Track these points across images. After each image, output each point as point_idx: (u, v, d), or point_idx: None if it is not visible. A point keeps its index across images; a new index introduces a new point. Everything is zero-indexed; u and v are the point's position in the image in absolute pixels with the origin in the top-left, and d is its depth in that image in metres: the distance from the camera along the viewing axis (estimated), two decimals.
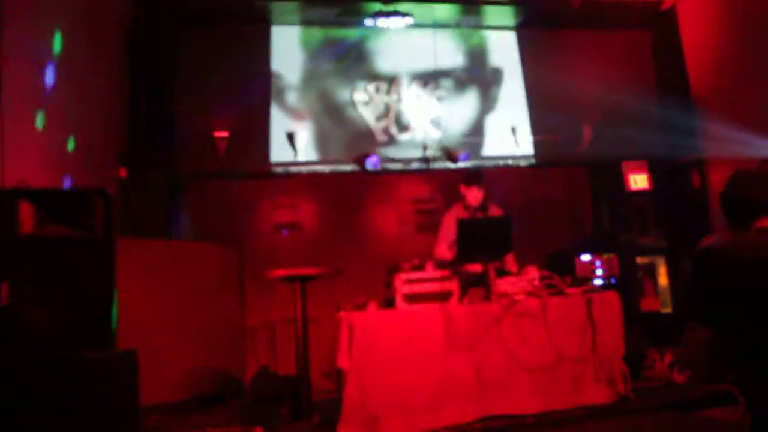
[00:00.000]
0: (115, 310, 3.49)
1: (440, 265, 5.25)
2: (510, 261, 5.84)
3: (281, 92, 8.70)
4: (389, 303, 5.03)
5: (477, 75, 9.30)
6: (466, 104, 9.17)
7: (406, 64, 9.05)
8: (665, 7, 9.25)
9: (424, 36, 9.11)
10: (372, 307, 4.95)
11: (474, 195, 6.05)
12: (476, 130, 9.06)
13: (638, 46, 9.58)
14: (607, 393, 5.01)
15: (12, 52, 4.43)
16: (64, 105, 5.60)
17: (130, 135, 7.92)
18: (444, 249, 5.95)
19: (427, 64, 9.07)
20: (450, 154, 8.67)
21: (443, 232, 6.09)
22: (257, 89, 8.56)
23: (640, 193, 8.59)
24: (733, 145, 7.42)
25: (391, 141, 8.84)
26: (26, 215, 3.41)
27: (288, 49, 8.85)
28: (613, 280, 7.04)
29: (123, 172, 7.28)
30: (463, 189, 6.12)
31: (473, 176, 6.17)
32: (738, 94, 7.90)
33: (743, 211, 2.19)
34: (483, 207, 6.09)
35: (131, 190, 7.19)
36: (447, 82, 9.14)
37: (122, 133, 7.78)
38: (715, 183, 8.25)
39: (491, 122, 9.15)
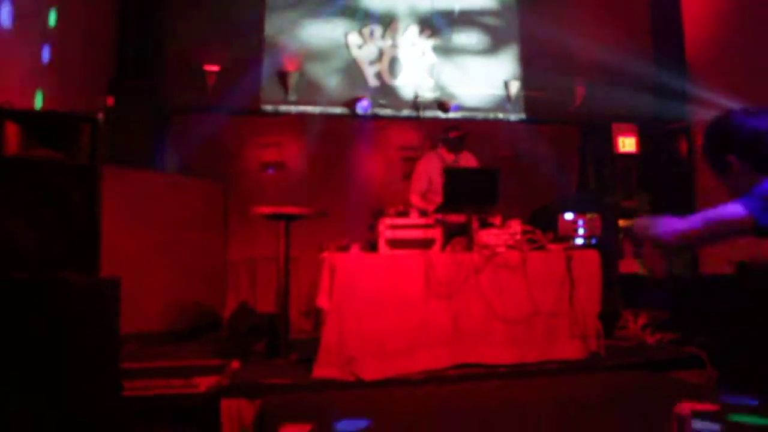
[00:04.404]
0: (99, 236, 3.48)
1: (424, 212, 5.27)
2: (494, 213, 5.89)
3: (275, 30, 8.56)
4: (372, 247, 5.06)
5: (472, 25, 9.19)
6: (461, 54, 9.08)
7: (402, 6, 8.93)
8: None
9: None
10: (355, 249, 4.98)
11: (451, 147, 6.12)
12: (469, 81, 8.99)
13: (636, 6, 9.48)
14: (580, 349, 5.10)
15: None
16: (51, 29, 5.49)
17: (119, 64, 7.79)
18: (417, 199, 5.99)
19: (424, 7, 8.95)
20: (441, 104, 8.64)
21: (415, 182, 6.14)
22: (250, 25, 8.42)
23: (627, 156, 8.62)
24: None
25: (383, 86, 8.77)
26: (11, 136, 3.36)
27: None
28: (593, 240, 7.08)
29: (110, 101, 7.18)
30: (442, 143, 6.18)
31: (460, 143, 6.22)
32: (732, 63, 7.87)
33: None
34: (455, 158, 6.15)
35: (117, 120, 7.09)
36: (443, 31, 9.02)
37: (111, 61, 7.65)
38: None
39: (484, 74, 9.08)
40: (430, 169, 6.06)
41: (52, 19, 5.54)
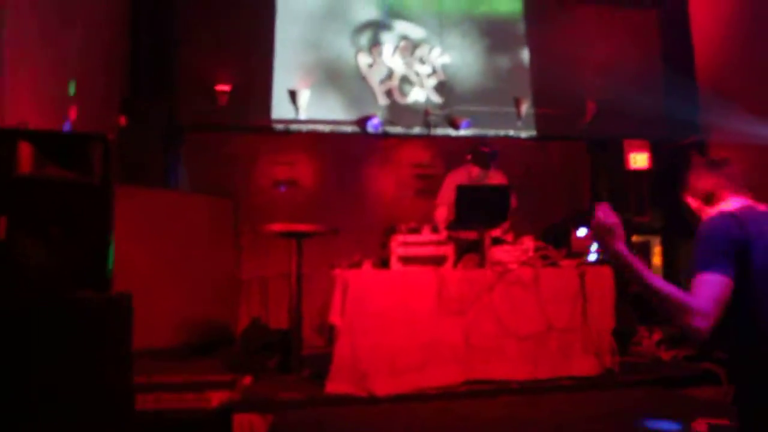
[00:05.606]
0: (111, 254, 3.49)
1: (436, 229, 5.25)
2: (506, 230, 5.84)
3: (285, 48, 8.62)
4: (384, 264, 5.06)
5: (482, 42, 9.21)
6: (471, 72, 9.10)
7: (411, 25, 8.99)
8: None
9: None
10: (367, 266, 4.98)
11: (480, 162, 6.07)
12: (479, 98, 9.00)
13: (646, 23, 9.49)
14: (594, 365, 5.07)
15: None
16: (66, 49, 5.55)
17: (132, 83, 7.86)
18: (443, 211, 5.88)
19: (433, 25, 9.00)
20: (452, 121, 8.65)
21: (442, 195, 6.05)
22: (261, 44, 8.49)
23: (639, 172, 8.58)
24: (734, 129, 7.40)
25: (394, 104, 8.79)
26: (25, 155, 3.38)
27: (293, 3, 8.75)
28: (606, 257, 7.03)
29: (122, 120, 7.24)
30: (470, 158, 6.12)
31: (489, 159, 6.11)
32: (743, 79, 7.85)
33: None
34: (484, 174, 6.08)
35: (130, 138, 7.14)
36: (452, 49, 9.05)
37: (123, 81, 7.73)
38: None
39: (494, 91, 9.09)
40: (456, 184, 6.00)
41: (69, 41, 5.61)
